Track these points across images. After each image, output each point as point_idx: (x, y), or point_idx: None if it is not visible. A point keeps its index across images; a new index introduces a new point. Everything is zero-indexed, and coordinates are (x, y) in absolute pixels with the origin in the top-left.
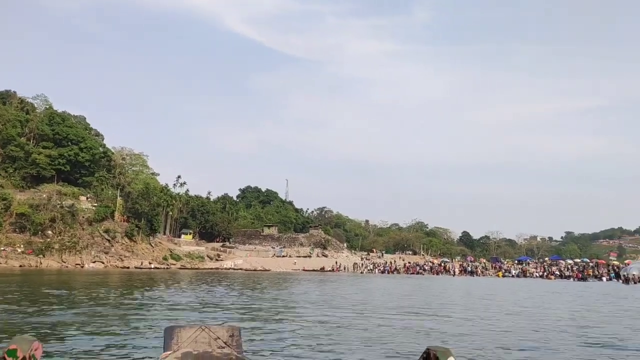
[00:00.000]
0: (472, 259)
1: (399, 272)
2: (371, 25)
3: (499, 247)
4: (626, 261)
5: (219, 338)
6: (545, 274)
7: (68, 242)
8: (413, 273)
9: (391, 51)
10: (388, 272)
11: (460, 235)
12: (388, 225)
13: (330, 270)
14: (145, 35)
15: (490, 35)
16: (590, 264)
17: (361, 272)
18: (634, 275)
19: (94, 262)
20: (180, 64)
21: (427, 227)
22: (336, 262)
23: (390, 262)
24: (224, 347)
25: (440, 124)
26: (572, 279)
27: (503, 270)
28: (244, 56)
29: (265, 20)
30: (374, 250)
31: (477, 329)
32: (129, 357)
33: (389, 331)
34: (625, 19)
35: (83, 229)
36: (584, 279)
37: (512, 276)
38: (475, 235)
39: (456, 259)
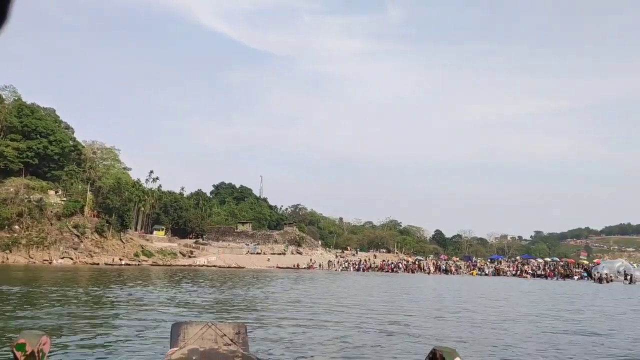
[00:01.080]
0: (445, 258)
1: (374, 270)
2: (346, 23)
3: (470, 246)
4: (595, 260)
5: (226, 335)
6: (518, 272)
7: (36, 237)
8: (388, 271)
9: (365, 49)
10: (363, 270)
11: (433, 233)
12: (362, 223)
13: (305, 268)
14: (117, 28)
15: (466, 35)
16: (561, 263)
17: (336, 270)
18: (606, 274)
19: (63, 258)
20: (154, 58)
21: (401, 226)
22: (311, 260)
23: (365, 260)
24: (230, 344)
25: (412, 123)
26: (549, 278)
27: (477, 269)
28: (217, 51)
29: (239, 15)
30: (348, 247)
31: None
32: (130, 356)
33: (391, 330)
34: (617, 17)
35: (51, 224)
36: (565, 277)
37: (486, 275)
38: (448, 234)
39: (429, 257)
